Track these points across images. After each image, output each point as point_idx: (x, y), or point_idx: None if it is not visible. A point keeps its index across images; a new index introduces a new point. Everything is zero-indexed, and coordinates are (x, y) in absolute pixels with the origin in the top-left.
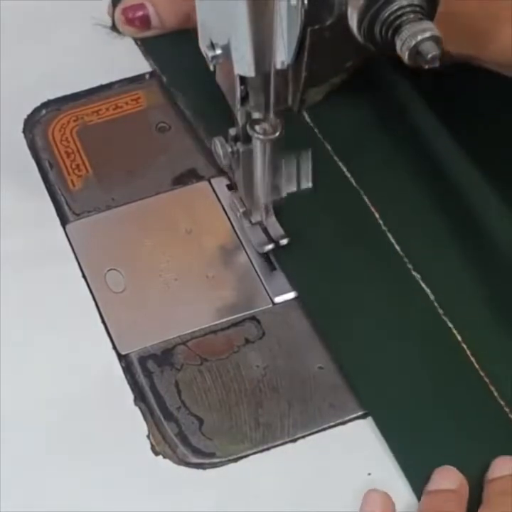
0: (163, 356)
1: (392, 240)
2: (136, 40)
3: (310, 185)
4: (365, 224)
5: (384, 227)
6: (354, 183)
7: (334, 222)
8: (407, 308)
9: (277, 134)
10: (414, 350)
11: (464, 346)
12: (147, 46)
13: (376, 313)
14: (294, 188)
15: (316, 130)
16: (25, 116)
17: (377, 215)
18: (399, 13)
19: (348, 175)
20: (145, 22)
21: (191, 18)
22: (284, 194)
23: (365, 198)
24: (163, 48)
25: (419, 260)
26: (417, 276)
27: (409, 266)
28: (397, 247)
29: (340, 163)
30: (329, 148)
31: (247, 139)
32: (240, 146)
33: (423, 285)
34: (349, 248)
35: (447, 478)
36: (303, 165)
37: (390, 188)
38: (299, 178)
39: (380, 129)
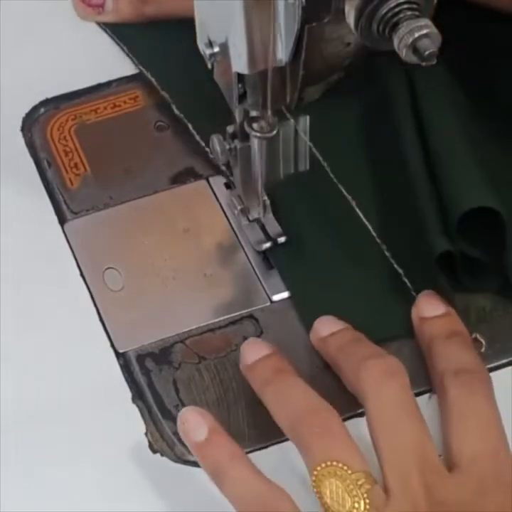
0: (161, 354)
1: (382, 246)
2: (119, 44)
3: (307, 167)
4: (355, 230)
5: (374, 235)
6: (344, 192)
7: (328, 225)
8: (400, 310)
9: (274, 132)
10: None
11: None
12: (132, 50)
13: (371, 314)
14: (291, 170)
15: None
16: (23, 115)
17: (366, 223)
18: (396, 10)
19: (336, 180)
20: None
21: (145, 14)
22: (281, 176)
23: (353, 205)
24: (149, 50)
25: (407, 263)
26: (406, 278)
27: (400, 270)
28: (388, 254)
29: (329, 169)
30: (317, 150)
31: (245, 137)
32: (237, 144)
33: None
34: (343, 250)
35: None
36: (300, 147)
37: (379, 192)
38: (297, 160)
39: (372, 131)
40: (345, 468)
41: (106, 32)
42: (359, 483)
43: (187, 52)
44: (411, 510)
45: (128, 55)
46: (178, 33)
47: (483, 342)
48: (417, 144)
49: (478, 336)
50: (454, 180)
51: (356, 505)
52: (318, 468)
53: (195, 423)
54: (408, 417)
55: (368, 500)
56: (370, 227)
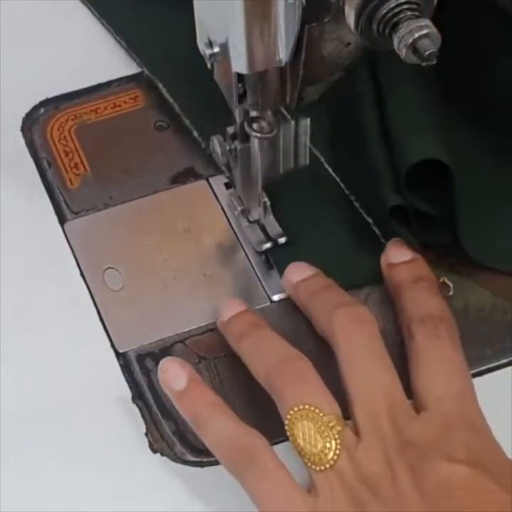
0: (162, 354)
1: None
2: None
3: (307, 162)
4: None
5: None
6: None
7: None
8: (371, 258)
9: (275, 132)
10: None
11: None
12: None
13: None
14: (291, 166)
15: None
16: (23, 115)
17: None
18: (396, 10)
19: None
20: None
21: None
22: (281, 171)
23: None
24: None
25: (377, 213)
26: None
27: (369, 220)
28: (357, 205)
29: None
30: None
31: (245, 137)
32: (237, 144)
33: None
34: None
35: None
36: (300, 142)
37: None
38: (297, 155)
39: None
40: (317, 411)
41: (86, 5)
42: (330, 425)
43: (171, 27)
44: (381, 450)
45: (106, 26)
46: (160, 8)
47: (451, 285)
48: (375, 109)
49: (445, 279)
50: (404, 135)
51: (328, 445)
52: (291, 411)
53: (174, 372)
54: (378, 363)
55: (338, 441)
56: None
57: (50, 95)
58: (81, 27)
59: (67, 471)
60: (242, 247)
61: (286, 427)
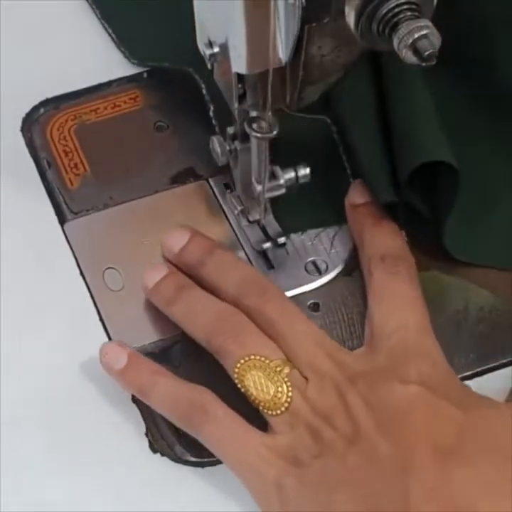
0: (162, 354)
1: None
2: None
3: (308, 171)
4: None
5: None
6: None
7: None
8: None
9: (275, 132)
10: None
11: None
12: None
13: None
14: (292, 174)
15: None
16: (23, 115)
17: None
18: (396, 10)
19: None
20: None
21: None
22: (283, 186)
23: None
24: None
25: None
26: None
27: (344, 157)
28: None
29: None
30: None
31: (245, 138)
32: (237, 145)
33: None
34: None
35: None
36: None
37: None
38: (297, 168)
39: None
40: (262, 359)
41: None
42: (278, 369)
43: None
44: (331, 385)
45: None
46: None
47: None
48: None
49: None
50: (414, 133)
51: (279, 389)
52: (238, 365)
53: (114, 353)
54: (297, 322)
55: (289, 383)
56: None
57: (50, 95)
58: (81, 27)
59: (67, 471)
60: (242, 246)
61: (236, 381)
